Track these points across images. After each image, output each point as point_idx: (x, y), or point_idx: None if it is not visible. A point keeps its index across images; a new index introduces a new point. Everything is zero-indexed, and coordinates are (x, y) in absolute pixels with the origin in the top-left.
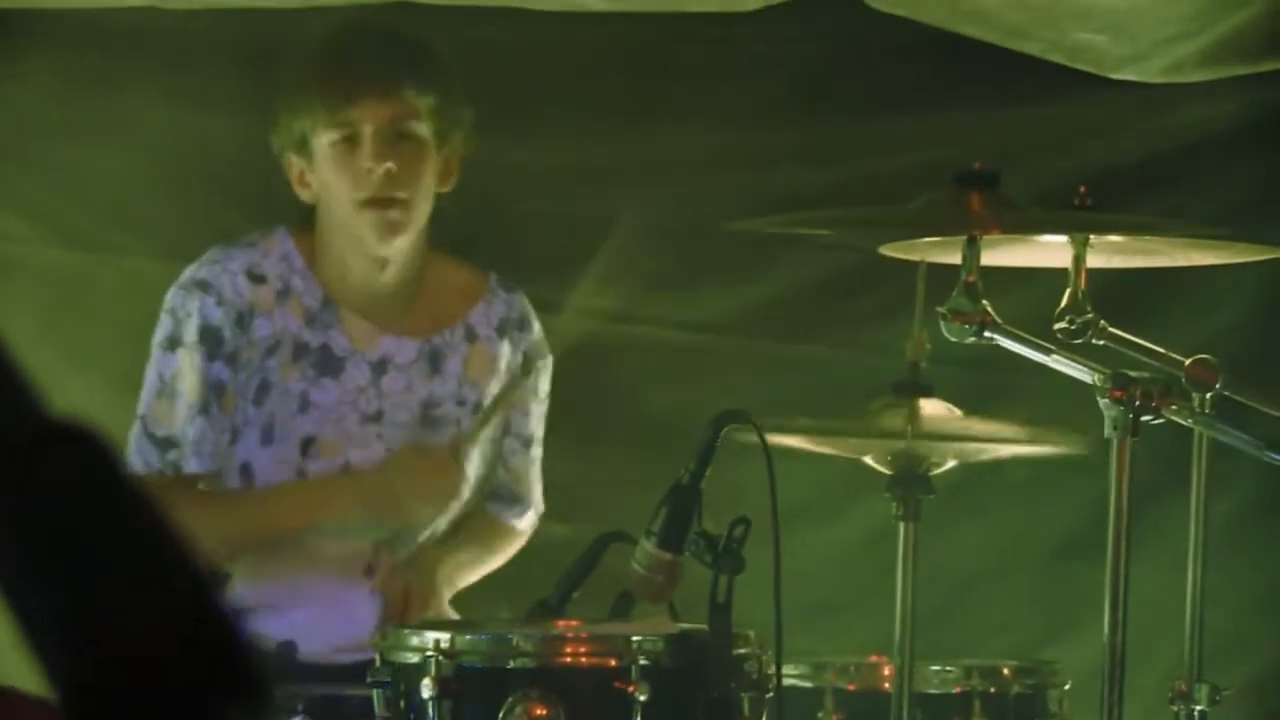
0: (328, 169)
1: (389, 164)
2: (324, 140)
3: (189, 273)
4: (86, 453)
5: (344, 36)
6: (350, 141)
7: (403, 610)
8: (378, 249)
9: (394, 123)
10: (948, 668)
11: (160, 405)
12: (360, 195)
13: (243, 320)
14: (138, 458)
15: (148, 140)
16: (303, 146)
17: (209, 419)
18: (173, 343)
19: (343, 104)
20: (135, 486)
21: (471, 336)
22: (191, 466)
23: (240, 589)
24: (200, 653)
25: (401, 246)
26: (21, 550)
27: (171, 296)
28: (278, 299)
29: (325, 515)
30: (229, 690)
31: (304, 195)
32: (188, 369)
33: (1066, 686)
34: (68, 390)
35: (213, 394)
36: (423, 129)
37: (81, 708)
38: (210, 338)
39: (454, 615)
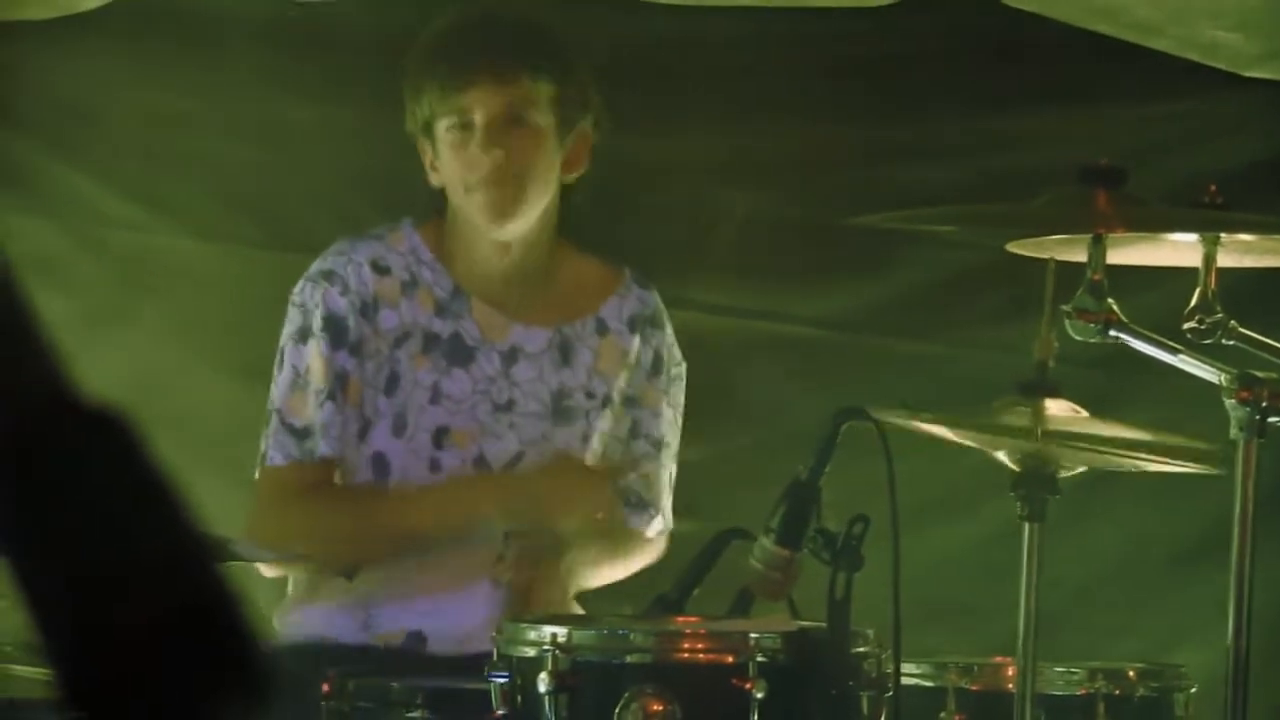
0: (446, 154)
1: (498, 152)
2: (442, 125)
3: (315, 266)
4: (109, 430)
5: (464, 22)
6: (465, 128)
7: (526, 602)
8: (490, 231)
9: (509, 110)
10: (1072, 669)
11: (295, 397)
12: (468, 180)
13: (367, 310)
14: (276, 451)
15: (275, 131)
16: (427, 131)
17: (335, 404)
18: (303, 334)
19: (457, 90)
20: (156, 468)
21: (603, 329)
22: (324, 450)
23: (369, 578)
24: (207, 639)
25: (517, 230)
26: (33, 524)
27: (298, 290)
28: (404, 290)
29: (464, 517)
30: (233, 677)
31: (433, 179)
32: (316, 357)
33: (1193, 690)
34: (190, 380)
35: (337, 382)
36: (540, 117)
37: (82, 689)
38: (334, 326)
39: (578, 611)
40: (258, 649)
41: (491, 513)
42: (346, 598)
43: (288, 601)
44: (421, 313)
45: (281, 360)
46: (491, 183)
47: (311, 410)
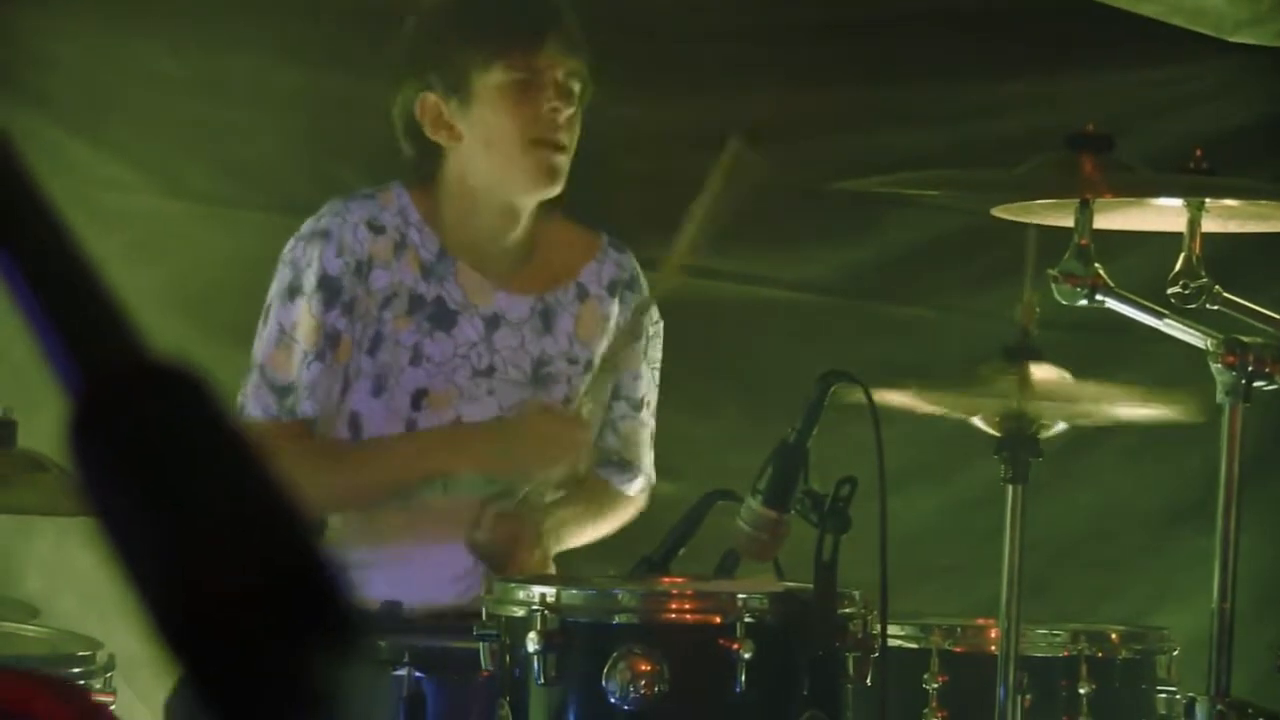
0: (497, 108)
1: (571, 111)
2: (495, 79)
3: (308, 224)
4: (186, 389)
5: None
6: (528, 85)
7: (508, 560)
8: (534, 191)
9: (569, 76)
10: (1055, 631)
11: (279, 354)
12: (535, 134)
13: (361, 270)
14: (255, 405)
15: (259, 95)
16: (459, 86)
17: (324, 365)
18: (292, 292)
19: (530, 47)
20: (235, 427)
21: (583, 295)
22: (306, 409)
23: (345, 542)
24: (298, 593)
25: (552, 194)
26: (120, 485)
27: (291, 247)
28: (395, 250)
29: (441, 468)
30: (324, 631)
31: (440, 137)
32: (305, 316)
33: (1175, 653)
34: (176, 339)
35: (328, 342)
36: (579, 87)
37: (182, 648)
38: (328, 286)
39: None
40: (352, 609)
41: (463, 462)
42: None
43: None
44: (409, 274)
45: (267, 316)
46: (556, 145)
47: (296, 369)
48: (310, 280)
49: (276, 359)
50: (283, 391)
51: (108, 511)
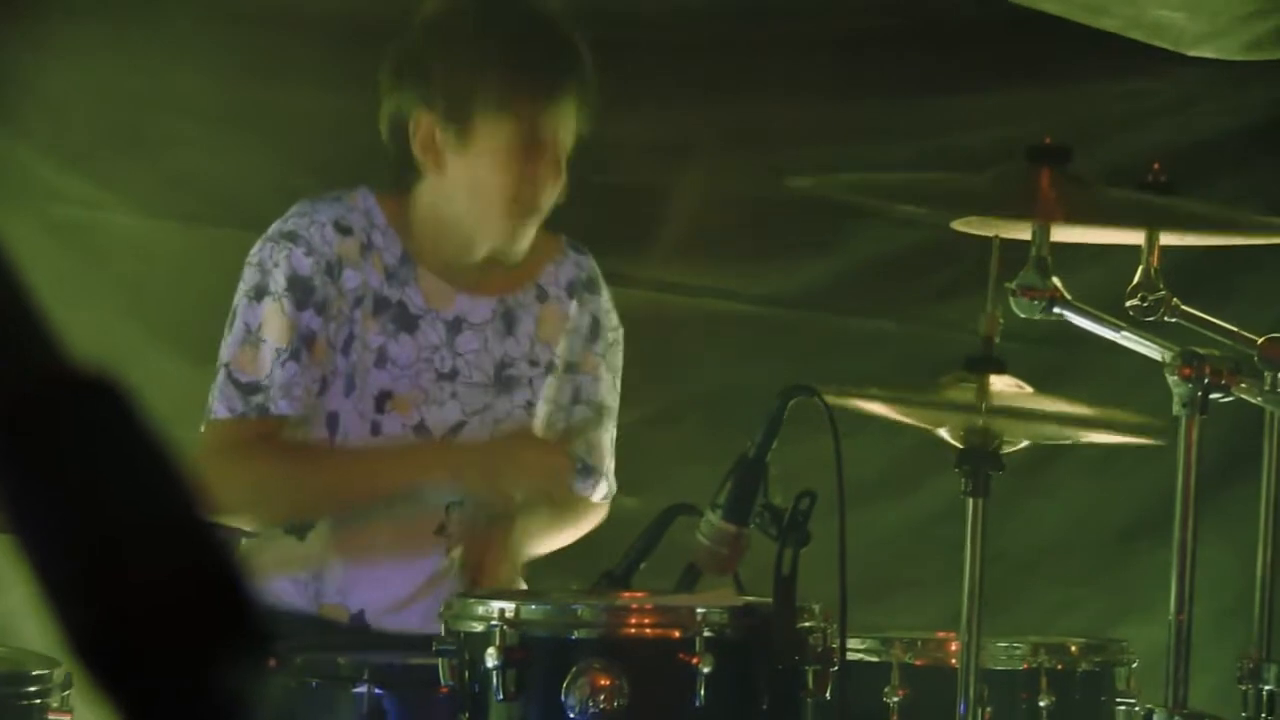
0: (493, 161)
1: (560, 184)
2: (500, 128)
3: (275, 226)
4: (105, 398)
5: (543, 24)
6: (529, 143)
7: (476, 577)
8: (499, 243)
9: (571, 133)
10: (1015, 644)
11: (245, 352)
12: (519, 195)
13: (332, 270)
14: (222, 404)
15: (221, 110)
16: (460, 118)
17: (300, 364)
18: (259, 292)
19: (543, 103)
20: (155, 435)
21: (543, 296)
22: (280, 409)
23: (317, 542)
24: (207, 604)
25: (516, 250)
26: (34, 492)
27: (258, 249)
28: (362, 252)
29: (425, 481)
30: (230, 639)
31: (426, 160)
32: (275, 316)
33: (1134, 665)
34: (134, 354)
35: (302, 342)
36: (577, 136)
37: (91, 652)
38: (299, 287)
39: (523, 586)
40: (257, 613)
41: (443, 478)
42: (294, 564)
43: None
44: (375, 276)
45: (234, 318)
46: (536, 210)
47: (267, 367)
48: (279, 280)
49: (242, 358)
50: (249, 389)
51: (22, 522)
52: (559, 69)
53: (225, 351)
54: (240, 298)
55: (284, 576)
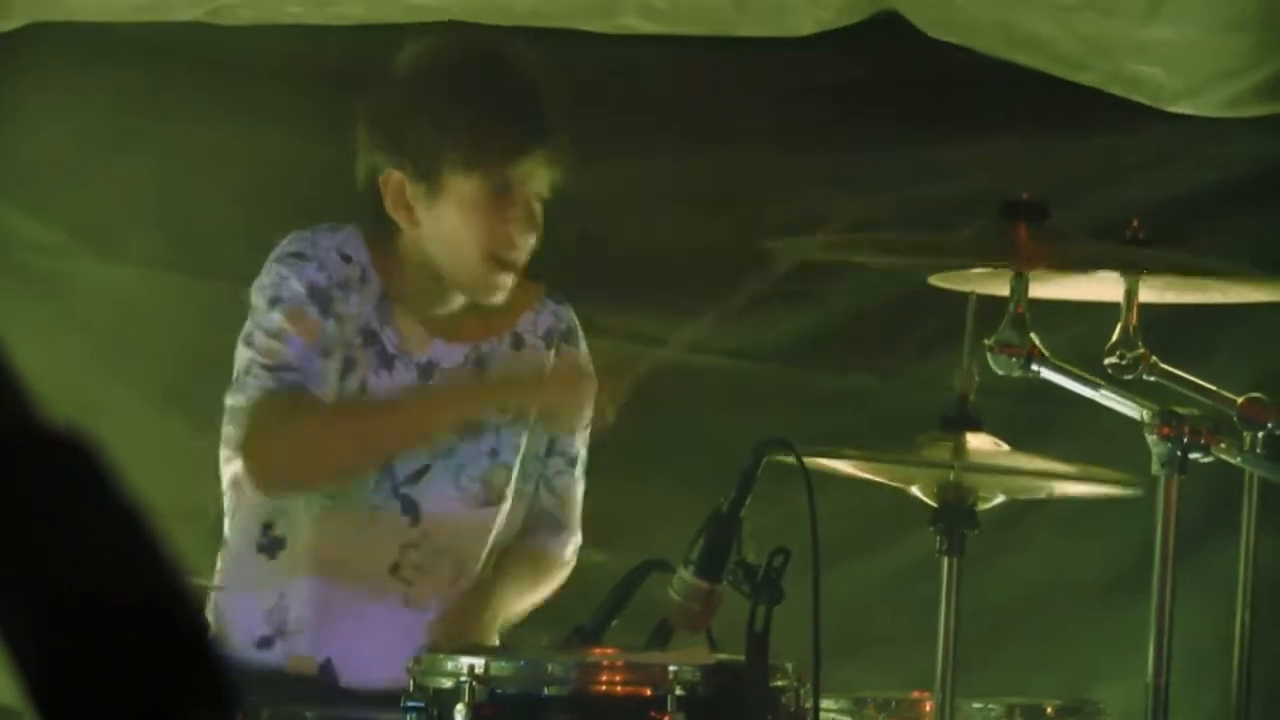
0: (465, 216)
1: (535, 237)
2: (469, 185)
3: (279, 249)
4: (76, 459)
5: (512, 80)
6: (500, 198)
7: (449, 632)
8: (475, 297)
9: (545, 185)
10: (990, 705)
11: (273, 344)
12: (494, 249)
13: (343, 288)
14: (253, 388)
15: (197, 157)
16: (429, 176)
17: (325, 362)
18: (273, 303)
19: (511, 159)
20: (124, 495)
21: (519, 344)
22: (315, 388)
23: (285, 566)
24: (172, 663)
25: (493, 303)
26: (2, 550)
27: (265, 272)
28: (359, 281)
29: (470, 410)
30: (197, 700)
31: (399, 216)
32: (298, 318)
33: None
34: (110, 405)
35: (324, 345)
36: (550, 188)
37: (56, 711)
38: (318, 295)
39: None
40: (224, 670)
41: (490, 404)
42: (265, 582)
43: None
44: (368, 307)
45: (250, 339)
46: (512, 263)
47: (297, 356)
48: (294, 288)
49: (271, 347)
50: (282, 369)
51: None
52: (527, 128)
53: (254, 350)
54: (252, 322)
55: (254, 595)
